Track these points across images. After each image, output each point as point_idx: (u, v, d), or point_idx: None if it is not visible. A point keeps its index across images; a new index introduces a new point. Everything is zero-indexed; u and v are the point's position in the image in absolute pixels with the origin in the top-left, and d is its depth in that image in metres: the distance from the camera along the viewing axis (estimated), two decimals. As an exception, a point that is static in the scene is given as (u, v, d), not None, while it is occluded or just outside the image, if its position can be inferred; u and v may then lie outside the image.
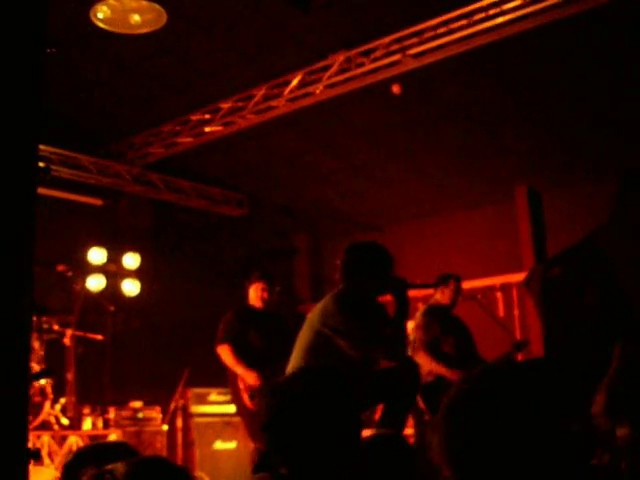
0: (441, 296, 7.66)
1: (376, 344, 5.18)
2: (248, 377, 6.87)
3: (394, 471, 3.36)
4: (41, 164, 2.22)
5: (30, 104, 2.16)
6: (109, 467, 2.02)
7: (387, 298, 5.37)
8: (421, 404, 6.84)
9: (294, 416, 2.45)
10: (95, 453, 2.99)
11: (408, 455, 3.42)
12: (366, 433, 6.35)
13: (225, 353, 7.09)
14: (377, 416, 6.79)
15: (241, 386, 6.92)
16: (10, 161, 2.10)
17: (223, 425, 9.06)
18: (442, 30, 7.41)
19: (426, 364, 7.16)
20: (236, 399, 7.09)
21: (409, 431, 6.97)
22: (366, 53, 7.89)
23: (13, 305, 2.08)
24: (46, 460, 7.17)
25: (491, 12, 7.10)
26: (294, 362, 5.11)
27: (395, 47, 7.69)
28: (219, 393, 9.22)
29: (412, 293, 5.44)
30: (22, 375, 2.06)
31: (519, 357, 9.41)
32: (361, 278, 5.17)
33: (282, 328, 7.32)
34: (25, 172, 2.12)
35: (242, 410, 7.03)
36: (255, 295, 7.39)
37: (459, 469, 1.72)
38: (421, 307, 7.86)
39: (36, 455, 2.24)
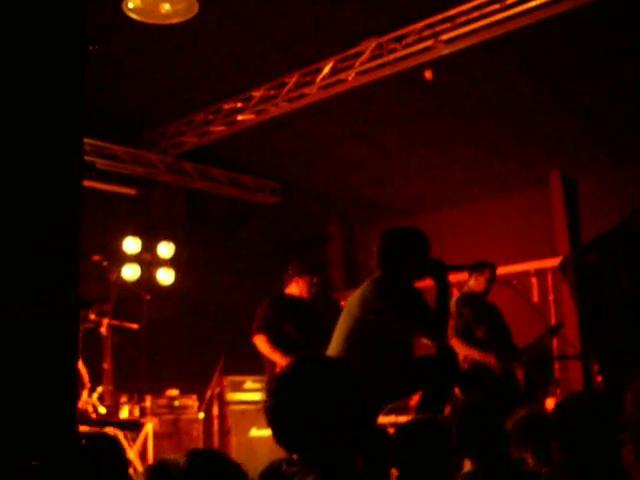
0: (475, 283, 7.60)
1: (420, 327, 5.15)
2: (285, 365, 6.85)
3: (429, 454, 3.39)
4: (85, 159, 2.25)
5: (75, 102, 2.19)
6: (171, 458, 2.07)
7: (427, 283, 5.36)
8: (457, 391, 6.81)
9: (297, 406, 2.51)
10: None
11: (445, 439, 3.45)
12: (402, 419, 6.37)
13: (261, 343, 7.10)
14: (412, 403, 6.79)
15: (279, 373, 6.92)
16: (57, 156, 2.13)
17: (258, 413, 9.08)
18: (475, 15, 7.35)
19: (460, 350, 7.12)
20: (273, 387, 7.08)
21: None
22: (398, 39, 7.85)
23: (62, 299, 2.11)
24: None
25: (524, -5, 7.04)
26: (334, 350, 5.10)
27: (427, 33, 7.65)
28: (254, 381, 9.25)
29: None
30: (71, 370, 2.09)
31: (553, 341, 9.38)
32: (399, 263, 5.14)
33: (317, 316, 7.33)
34: (71, 167, 2.15)
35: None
36: (301, 287, 7.36)
37: None
38: (455, 293, 7.81)
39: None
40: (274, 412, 2.56)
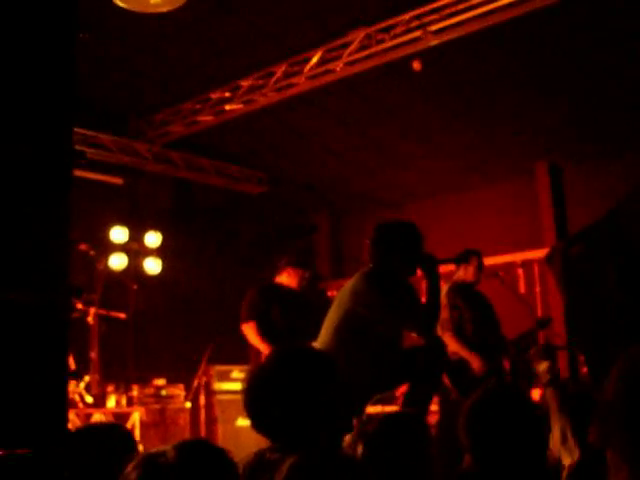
0: (464, 273, 7.58)
1: (410, 321, 5.18)
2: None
3: (409, 449, 3.37)
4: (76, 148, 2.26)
5: (66, 90, 2.19)
6: (159, 451, 2.04)
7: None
8: (447, 383, 6.81)
9: (274, 395, 2.60)
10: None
11: (423, 435, 3.42)
12: (389, 409, 6.39)
13: (249, 331, 7.10)
14: (399, 393, 6.81)
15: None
16: (47, 144, 2.13)
17: (245, 402, 9.08)
18: (463, 6, 7.35)
19: (451, 345, 7.11)
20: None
21: (434, 408, 6.96)
22: (386, 30, 7.84)
23: (52, 287, 2.11)
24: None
25: (513, -13, 7.04)
26: (323, 341, 5.12)
27: (415, 24, 7.64)
28: (241, 370, 9.26)
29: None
30: (62, 358, 2.10)
31: (542, 334, 9.41)
32: (391, 257, 5.15)
33: (306, 306, 7.33)
34: (61, 155, 2.15)
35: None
36: (293, 279, 7.37)
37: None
38: (444, 286, 7.79)
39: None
40: (252, 401, 2.65)
